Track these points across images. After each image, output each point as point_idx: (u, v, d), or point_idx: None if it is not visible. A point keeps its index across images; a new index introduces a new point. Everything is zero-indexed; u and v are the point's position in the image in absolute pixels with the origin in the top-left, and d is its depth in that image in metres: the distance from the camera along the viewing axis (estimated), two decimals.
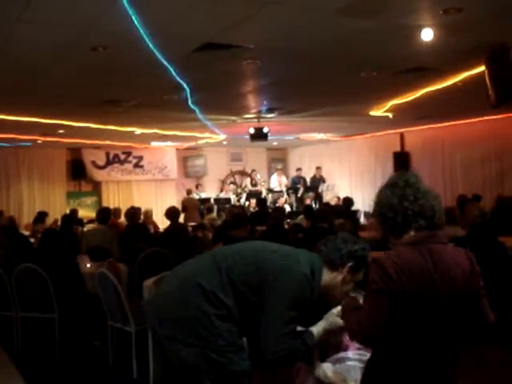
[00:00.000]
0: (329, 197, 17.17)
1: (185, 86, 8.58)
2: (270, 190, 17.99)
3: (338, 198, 15.51)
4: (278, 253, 2.97)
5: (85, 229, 10.58)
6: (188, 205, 14.62)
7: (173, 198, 17.95)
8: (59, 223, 11.82)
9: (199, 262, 3.06)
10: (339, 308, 2.89)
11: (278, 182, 18.44)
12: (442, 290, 2.34)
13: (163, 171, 18.71)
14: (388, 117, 12.63)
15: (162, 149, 18.33)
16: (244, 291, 2.83)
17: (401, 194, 2.43)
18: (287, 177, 19.27)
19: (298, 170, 18.49)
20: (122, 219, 10.56)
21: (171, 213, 8.71)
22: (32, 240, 9.49)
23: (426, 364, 2.39)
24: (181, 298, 2.86)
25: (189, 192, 16.94)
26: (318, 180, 17.92)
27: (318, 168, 18.17)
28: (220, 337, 2.78)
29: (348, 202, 11.65)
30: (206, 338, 2.77)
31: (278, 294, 2.77)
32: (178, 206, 12.21)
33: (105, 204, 16.33)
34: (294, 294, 2.78)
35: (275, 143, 18.26)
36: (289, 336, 2.77)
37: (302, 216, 11.54)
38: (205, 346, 2.77)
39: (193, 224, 10.45)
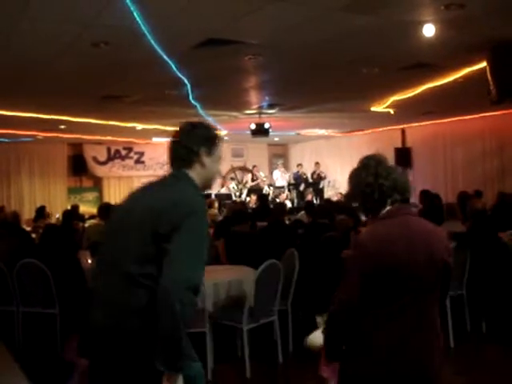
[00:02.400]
0: (330, 193, 17.18)
1: (186, 81, 8.58)
2: (271, 186, 18.00)
3: (340, 194, 15.51)
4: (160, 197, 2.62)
5: (86, 224, 10.58)
6: None
7: None
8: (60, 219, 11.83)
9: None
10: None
11: (282, 177, 18.49)
12: (420, 255, 2.50)
13: (164, 167, 18.68)
14: (389, 113, 12.63)
15: (163, 144, 18.29)
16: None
17: (374, 172, 2.63)
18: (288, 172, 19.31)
19: (299, 165, 18.50)
20: None
21: None
22: (33, 235, 9.50)
23: (411, 328, 2.48)
24: None
25: None
26: (317, 176, 17.93)
27: (317, 163, 18.19)
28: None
29: None
30: None
31: (187, 234, 2.44)
32: None
33: (106, 200, 16.33)
34: (202, 226, 2.51)
35: (276, 139, 18.26)
36: (197, 269, 2.44)
37: (302, 212, 11.54)
38: None
39: None
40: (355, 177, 2.71)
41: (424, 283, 2.50)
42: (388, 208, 2.62)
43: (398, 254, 2.47)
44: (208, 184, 2.80)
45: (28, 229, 10.85)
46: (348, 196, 2.82)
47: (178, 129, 2.81)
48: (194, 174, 2.70)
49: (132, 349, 2.49)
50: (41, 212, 12.87)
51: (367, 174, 2.65)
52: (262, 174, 18.59)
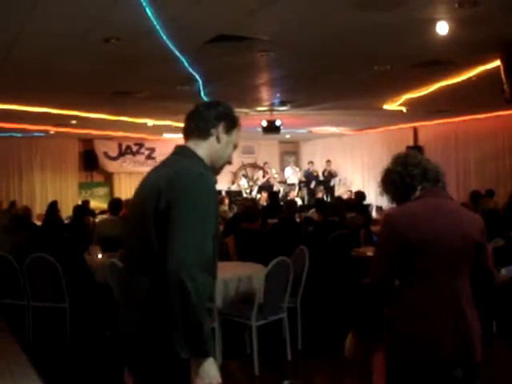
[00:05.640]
0: (341, 191, 17.16)
1: (197, 77, 8.57)
2: (282, 183, 17.98)
3: (351, 192, 15.48)
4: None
5: (97, 219, 10.61)
6: None
7: None
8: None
9: None
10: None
11: (293, 174, 18.49)
12: (448, 232, 2.59)
13: None
14: (401, 111, 12.57)
15: (174, 140, 18.26)
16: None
17: (403, 161, 2.79)
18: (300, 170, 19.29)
19: (310, 163, 18.48)
20: None
21: None
22: None
23: (443, 301, 2.57)
24: None
25: None
26: (328, 173, 17.91)
27: (328, 161, 18.17)
28: None
29: (360, 195, 11.62)
30: None
31: (183, 209, 2.25)
32: None
33: (117, 195, 16.38)
34: (202, 202, 2.28)
35: (287, 136, 18.23)
36: (202, 244, 2.22)
37: (313, 209, 11.53)
38: None
39: None
40: (384, 172, 2.87)
41: (452, 259, 2.59)
42: (417, 194, 2.72)
43: (425, 229, 2.57)
44: (217, 165, 2.55)
45: (39, 223, 10.90)
46: (380, 188, 2.90)
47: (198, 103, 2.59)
48: (206, 148, 2.49)
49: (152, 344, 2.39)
50: (53, 207, 12.91)
51: (396, 164, 2.81)
52: (273, 171, 18.58)
